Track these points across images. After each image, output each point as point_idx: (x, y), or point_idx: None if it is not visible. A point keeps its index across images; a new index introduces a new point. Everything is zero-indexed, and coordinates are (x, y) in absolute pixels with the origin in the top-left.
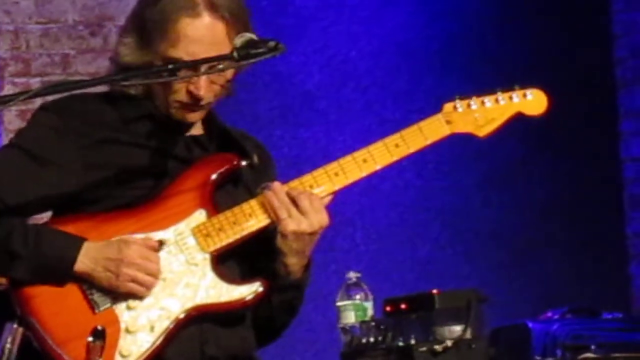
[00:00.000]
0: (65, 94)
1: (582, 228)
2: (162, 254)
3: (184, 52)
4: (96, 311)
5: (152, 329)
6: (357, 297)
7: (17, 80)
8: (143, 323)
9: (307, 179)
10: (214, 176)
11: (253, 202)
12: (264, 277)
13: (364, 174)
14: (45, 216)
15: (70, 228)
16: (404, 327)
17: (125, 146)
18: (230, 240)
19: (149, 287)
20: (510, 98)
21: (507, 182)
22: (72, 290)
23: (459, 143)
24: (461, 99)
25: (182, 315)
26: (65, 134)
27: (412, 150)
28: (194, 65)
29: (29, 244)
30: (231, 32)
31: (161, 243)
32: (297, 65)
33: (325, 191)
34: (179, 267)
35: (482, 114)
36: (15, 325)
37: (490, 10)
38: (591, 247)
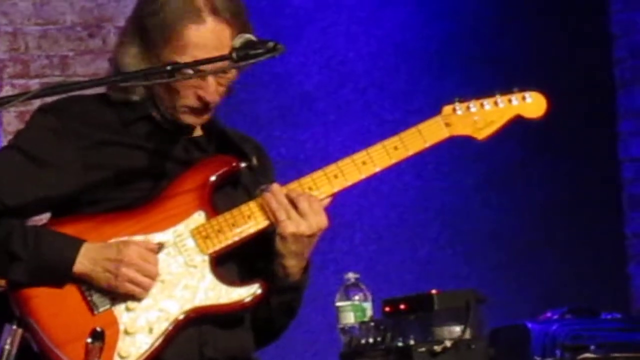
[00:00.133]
0: (64, 95)
1: (581, 228)
2: (161, 255)
3: (190, 58)
4: (95, 312)
5: (150, 330)
6: (356, 297)
7: (15, 81)
8: (142, 324)
9: (306, 181)
10: (213, 178)
11: (252, 204)
12: (262, 279)
13: (362, 176)
14: (44, 217)
15: (69, 229)
16: (403, 328)
17: (124, 148)
18: (229, 242)
19: (146, 289)
20: (510, 101)
21: (506, 183)
22: (71, 292)
23: (458, 144)
24: (460, 101)
25: (181, 317)
26: (64, 135)
27: (411, 152)
28: (191, 67)
29: (28, 245)
30: (234, 34)
31: (160, 245)
32: (295, 66)
33: (324, 193)
34: (177, 269)
35: (481, 116)
36: (14, 326)
37: (489, 10)
38: (590, 248)
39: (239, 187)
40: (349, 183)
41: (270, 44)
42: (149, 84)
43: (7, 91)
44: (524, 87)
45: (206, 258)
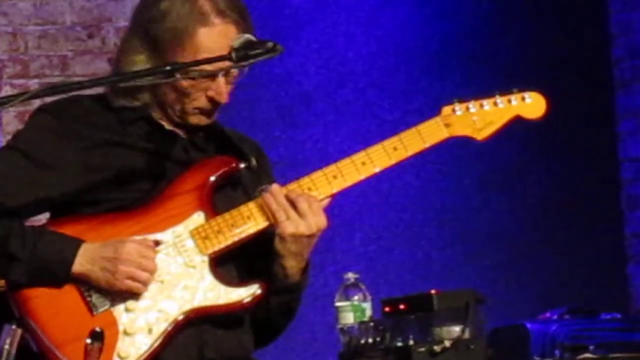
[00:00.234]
0: (63, 95)
1: (580, 228)
2: (160, 255)
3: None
4: (94, 313)
5: (150, 331)
6: (356, 297)
7: (15, 81)
8: (141, 325)
9: (305, 181)
10: (212, 178)
11: (251, 205)
12: (262, 279)
13: (362, 177)
14: (43, 218)
15: (68, 230)
16: (403, 328)
17: (124, 148)
18: (229, 242)
19: (145, 284)
20: (509, 101)
21: (506, 183)
22: (70, 292)
23: (458, 144)
24: (460, 102)
25: (180, 318)
26: (64, 136)
27: (410, 153)
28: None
29: (27, 246)
30: (240, 32)
31: (158, 243)
32: (295, 66)
33: (324, 194)
34: (177, 269)
35: (480, 117)
36: (13, 327)
37: (488, 10)
38: (590, 248)
39: (238, 188)
40: (348, 184)
41: (269, 44)
42: (149, 84)
43: (6, 91)
44: (524, 87)
45: (205, 259)
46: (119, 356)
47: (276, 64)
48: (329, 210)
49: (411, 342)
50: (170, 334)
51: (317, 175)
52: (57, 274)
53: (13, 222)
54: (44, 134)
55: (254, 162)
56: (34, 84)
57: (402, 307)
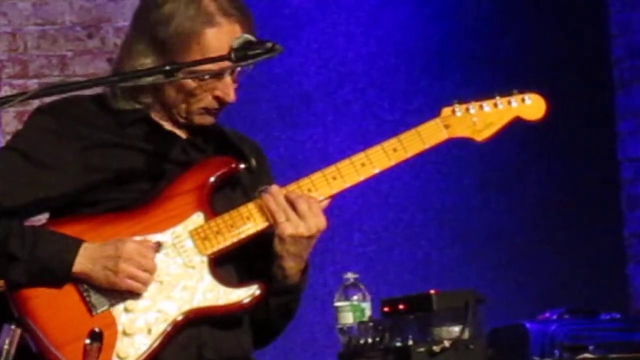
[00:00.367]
0: (62, 95)
1: (580, 229)
2: (160, 256)
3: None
4: (94, 313)
5: (149, 331)
6: (355, 298)
7: (14, 82)
8: (140, 325)
9: (305, 182)
10: (212, 179)
11: (251, 205)
12: (261, 280)
13: (361, 178)
14: (43, 218)
15: (68, 230)
16: (402, 328)
17: (123, 149)
18: (228, 243)
19: (145, 283)
20: (509, 102)
21: (505, 183)
22: (69, 292)
23: (458, 144)
24: (459, 103)
25: (179, 318)
26: (63, 136)
27: (410, 154)
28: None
29: (26, 246)
30: (244, 31)
31: (159, 244)
32: (294, 66)
33: (323, 195)
34: (176, 270)
35: (480, 118)
36: (13, 327)
37: (488, 10)
38: (589, 248)
39: (237, 189)
40: (347, 184)
41: (269, 44)
42: (149, 83)
43: (5, 91)
44: (523, 87)
45: (205, 259)
46: (118, 356)
47: (276, 64)
48: (328, 211)
49: (410, 342)
50: (170, 334)
51: (317, 176)
52: (57, 273)
53: (12, 222)
54: (43, 134)
55: (253, 162)
56: (33, 84)
57: (401, 307)
